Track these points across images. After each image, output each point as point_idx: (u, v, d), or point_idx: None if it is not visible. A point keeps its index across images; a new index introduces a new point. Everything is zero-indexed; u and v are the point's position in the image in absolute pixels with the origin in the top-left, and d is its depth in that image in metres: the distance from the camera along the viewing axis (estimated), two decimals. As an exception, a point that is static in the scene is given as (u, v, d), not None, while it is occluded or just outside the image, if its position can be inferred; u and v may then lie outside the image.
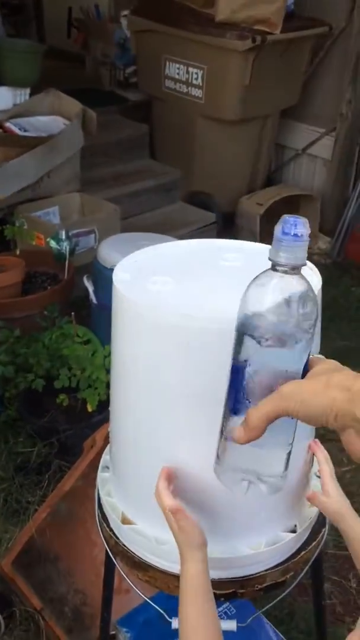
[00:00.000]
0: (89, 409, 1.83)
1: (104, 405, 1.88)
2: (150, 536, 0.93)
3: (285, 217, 0.62)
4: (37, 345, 2.03)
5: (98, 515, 1.04)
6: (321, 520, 1.01)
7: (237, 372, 0.66)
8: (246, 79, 3.22)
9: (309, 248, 0.65)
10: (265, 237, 3.67)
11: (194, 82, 3.42)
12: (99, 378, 1.74)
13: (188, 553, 0.83)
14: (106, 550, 1.07)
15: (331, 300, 3.07)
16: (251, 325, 0.63)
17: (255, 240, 3.57)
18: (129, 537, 0.97)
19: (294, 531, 0.94)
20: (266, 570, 0.92)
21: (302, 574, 0.97)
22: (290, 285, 0.62)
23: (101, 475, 1.05)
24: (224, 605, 1.36)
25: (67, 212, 3.11)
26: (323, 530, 1.00)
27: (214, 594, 0.89)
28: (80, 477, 1.67)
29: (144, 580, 0.95)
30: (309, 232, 0.62)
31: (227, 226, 3.62)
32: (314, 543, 0.98)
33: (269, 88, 3.39)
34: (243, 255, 0.99)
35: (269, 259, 0.63)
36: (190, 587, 0.82)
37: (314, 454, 0.98)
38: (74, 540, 1.72)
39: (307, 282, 0.63)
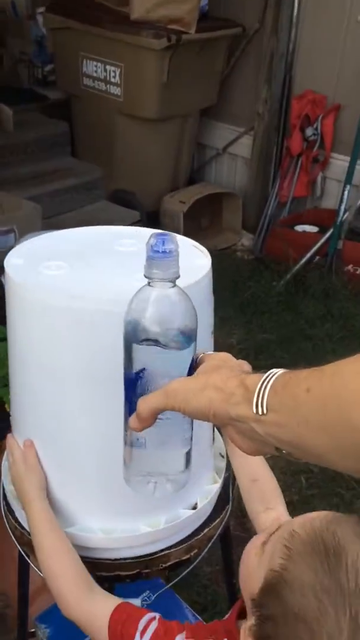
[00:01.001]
0: (7, 409, 1.79)
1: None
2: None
3: (154, 234, 0.67)
4: None
5: (3, 506, 1.03)
6: (224, 498, 1.04)
7: (129, 382, 0.70)
8: (163, 77, 3.25)
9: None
10: (189, 234, 3.72)
11: (112, 80, 3.42)
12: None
13: (35, 492, 0.90)
14: (18, 549, 1.05)
15: (253, 295, 3.15)
16: (136, 337, 0.67)
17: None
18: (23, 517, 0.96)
19: (194, 508, 0.96)
20: (169, 549, 0.94)
21: (206, 549, 1.00)
22: (168, 297, 0.66)
23: (4, 465, 1.04)
24: (144, 594, 1.37)
25: (-16, 211, 3.03)
26: (227, 507, 1.03)
27: (119, 575, 0.90)
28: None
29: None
30: (178, 246, 0.66)
31: (151, 224, 3.64)
32: (217, 520, 1.01)
33: (187, 87, 3.43)
34: (138, 241, 1.00)
35: (145, 276, 0.66)
36: (40, 521, 0.89)
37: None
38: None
39: (183, 291, 0.67)
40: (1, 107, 2.97)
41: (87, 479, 0.88)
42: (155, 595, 1.32)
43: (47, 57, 4.09)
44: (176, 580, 1.01)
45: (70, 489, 0.90)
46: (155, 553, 0.93)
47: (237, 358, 1.04)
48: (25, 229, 2.84)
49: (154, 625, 0.82)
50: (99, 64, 3.46)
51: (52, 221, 3.28)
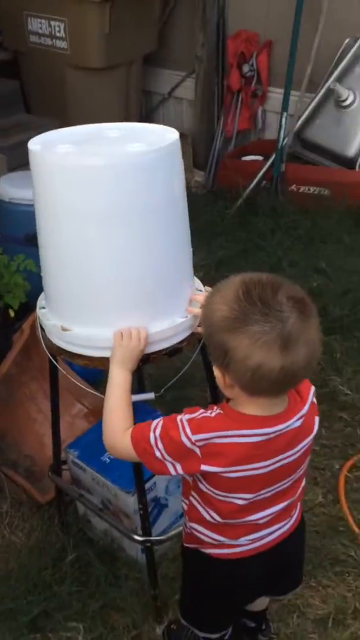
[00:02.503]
0: (11, 314, 2.09)
1: (24, 311, 2.15)
2: (83, 335, 1.26)
3: None
4: None
5: (41, 335, 1.35)
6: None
7: None
8: (105, 27, 3.48)
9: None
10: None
11: (57, 34, 3.63)
12: (16, 283, 2.01)
13: (131, 363, 1.23)
14: (49, 359, 1.39)
15: (209, 220, 3.47)
16: None
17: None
18: (67, 339, 1.29)
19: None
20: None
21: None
22: None
23: (40, 312, 1.35)
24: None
25: None
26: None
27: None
28: (13, 365, 1.96)
29: (84, 365, 1.28)
30: None
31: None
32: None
33: (128, 35, 3.67)
34: (120, 130, 1.33)
35: None
36: (120, 387, 1.23)
37: None
38: (16, 419, 2.02)
39: None
40: None
41: (105, 298, 1.22)
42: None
43: (-9, 19, 4.22)
44: (173, 381, 1.35)
45: (95, 310, 1.24)
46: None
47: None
48: (-5, 178, 3.09)
49: (161, 422, 1.15)
50: (44, 21, 3.66)
51: (18, 171, 3.51)
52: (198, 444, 1.11)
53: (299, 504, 1.31)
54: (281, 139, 3.47)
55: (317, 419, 1.22)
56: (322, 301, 2.66)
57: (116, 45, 3.62)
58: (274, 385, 1.06)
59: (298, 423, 1.15)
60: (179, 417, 1.14)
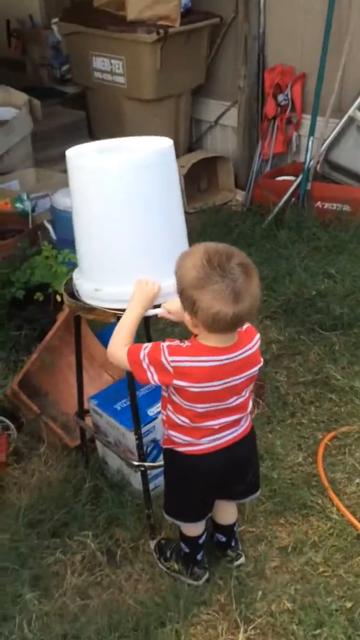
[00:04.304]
0: (58, 299, 2.60)
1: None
2: (112, 292, 1.72)
3: None
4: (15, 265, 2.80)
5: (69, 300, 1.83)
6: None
7: None
8: (157, 64, 4.02)
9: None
10: (190, 195, 4.47)
11: (117, 71, 4.21)
12: (62, 272, 2.52)
13: (146, 302, 1.66)
14: (74, 317, 1.88)
15: (242, 233, 3.89)
16: None
17: (183, 196, 4.38)
18: (98, 297, 1.76)
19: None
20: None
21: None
22: None
23: (76, 282, 1.83)
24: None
25: (25, 184, 3.86)
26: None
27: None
28: (56, 337, 2.45)
29: (92, 320, 1.74)
30: None
31: (158, 187, 4.42)
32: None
33: (178, 71, 4.20)
34: (137, 143, 1.82)
35: None
36: (132, 317, 1.65)
37: None
38: (57, 383, 2.51)
39: None
40: (31, 100, 3.77)
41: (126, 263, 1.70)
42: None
43: (63, 59, 4.91)
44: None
45: (119, 272, 1.72)
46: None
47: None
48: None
49: (150, 345, 1.58)
50: (106, 59, 4.25)
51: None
52: (172, 364, 1.55)
53: (248, 417, 1.73)
54: (307, 161, 3.86)
55: (261, 359, 1.64)
56: (326, 301, 3.03)
57: (167, 79, 4.16)
58: (228, 325, 1.50)
59: (244, 355, 1.57)
60: (161, 344, 1.59)
